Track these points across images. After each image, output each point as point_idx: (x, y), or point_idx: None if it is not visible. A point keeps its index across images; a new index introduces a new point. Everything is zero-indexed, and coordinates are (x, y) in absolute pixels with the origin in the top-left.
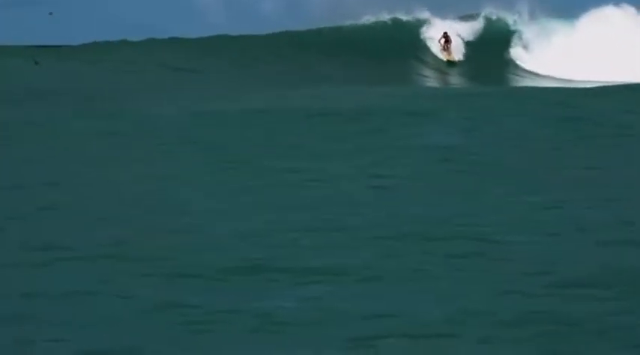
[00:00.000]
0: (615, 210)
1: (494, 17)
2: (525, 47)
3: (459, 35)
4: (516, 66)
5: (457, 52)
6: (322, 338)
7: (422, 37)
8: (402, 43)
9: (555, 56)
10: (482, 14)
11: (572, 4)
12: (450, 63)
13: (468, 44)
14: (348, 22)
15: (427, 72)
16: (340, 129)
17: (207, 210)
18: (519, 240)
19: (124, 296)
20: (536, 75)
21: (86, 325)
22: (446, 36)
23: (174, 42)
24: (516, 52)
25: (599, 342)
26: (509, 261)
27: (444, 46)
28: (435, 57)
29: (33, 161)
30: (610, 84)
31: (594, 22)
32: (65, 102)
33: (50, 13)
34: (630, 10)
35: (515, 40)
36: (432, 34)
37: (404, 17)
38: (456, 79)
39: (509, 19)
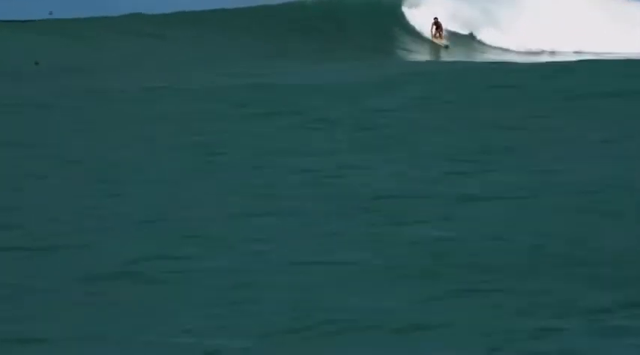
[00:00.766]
0: (545, 175)
1: None
2: (496, 21)
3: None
4: (489, 41)
5: (446, 37)
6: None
7: (403, 12)
8: (382, 17)
9: (526, 29)
10: None
11: None
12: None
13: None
14: None
15: (403, 48)
16: (293, 100)
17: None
18: (436, 204)
19: None
20: (508, 50)
21: None
22: (436, 22)
23: (149, 17)
24: (489, 26)
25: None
26: (422, 224)
27: (435, 34)
28: (415, 33)
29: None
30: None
31: None
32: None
33: (50, 13)
34: None
35: (487, 14)
36: (416, 11)
37: None
38: (429, 55)
39: None
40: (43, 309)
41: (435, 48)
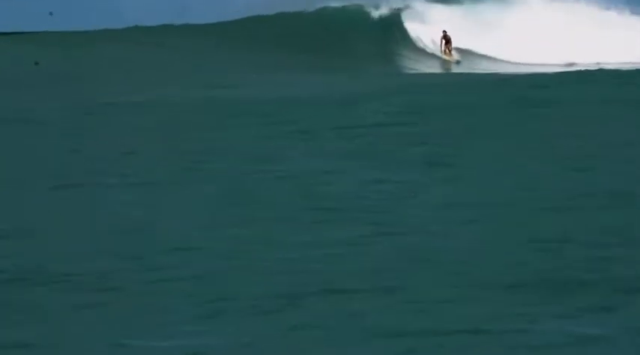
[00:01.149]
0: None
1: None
2: (491, 32)
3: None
4: (482, 51)
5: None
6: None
7: (403, 24)
8: (380, 29)
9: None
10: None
11: None
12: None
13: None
14: (317, 6)
15: (401, 59)
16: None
17: None
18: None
19: None
20: (501, 60)
21: None
22: (445, 36)
23: (147, 29)
24: (483, 37)
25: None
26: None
27: (444, 49)
28: (413, 44)
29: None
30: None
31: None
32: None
33: (50, 13)
34: None
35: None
36: (416, 23)
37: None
38: (426, 66)
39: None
40: (27, 317)
41: (444, 63)
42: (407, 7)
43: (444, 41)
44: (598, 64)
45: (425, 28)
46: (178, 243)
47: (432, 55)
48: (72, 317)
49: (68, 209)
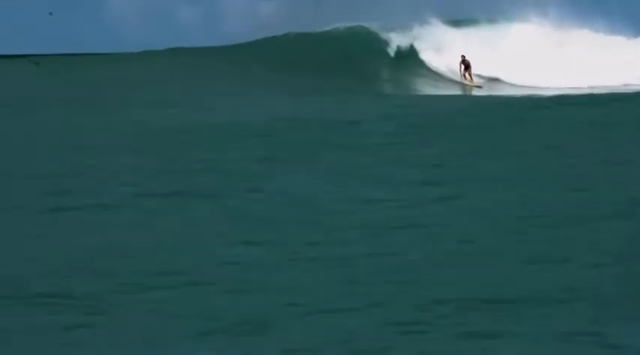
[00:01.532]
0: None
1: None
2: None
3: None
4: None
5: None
6: None
7: (415, 49)
8: (387, 50)
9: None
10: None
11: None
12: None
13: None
14: (318, 30)
15: (410, 82)
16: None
17: None
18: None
19: None
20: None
21: None
22: (464, 61)
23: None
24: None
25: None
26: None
27: (463, 74)
28: (415, 65)
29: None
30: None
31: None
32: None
33: (50, 14)
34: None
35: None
36: (422, 45)
37: (380, 24)
38: (432, 88)
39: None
40: (14, 338)
41: (465, 88)
42: (417, 29)
43: (462, 66)
44: (606, 87)
45: (436, 50)
46: (170, 264)
47: (441, 76)
48: (60, 338)
49: (61, 230)
